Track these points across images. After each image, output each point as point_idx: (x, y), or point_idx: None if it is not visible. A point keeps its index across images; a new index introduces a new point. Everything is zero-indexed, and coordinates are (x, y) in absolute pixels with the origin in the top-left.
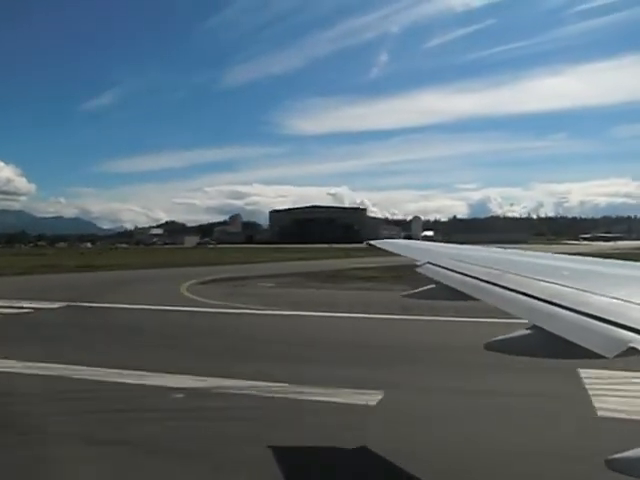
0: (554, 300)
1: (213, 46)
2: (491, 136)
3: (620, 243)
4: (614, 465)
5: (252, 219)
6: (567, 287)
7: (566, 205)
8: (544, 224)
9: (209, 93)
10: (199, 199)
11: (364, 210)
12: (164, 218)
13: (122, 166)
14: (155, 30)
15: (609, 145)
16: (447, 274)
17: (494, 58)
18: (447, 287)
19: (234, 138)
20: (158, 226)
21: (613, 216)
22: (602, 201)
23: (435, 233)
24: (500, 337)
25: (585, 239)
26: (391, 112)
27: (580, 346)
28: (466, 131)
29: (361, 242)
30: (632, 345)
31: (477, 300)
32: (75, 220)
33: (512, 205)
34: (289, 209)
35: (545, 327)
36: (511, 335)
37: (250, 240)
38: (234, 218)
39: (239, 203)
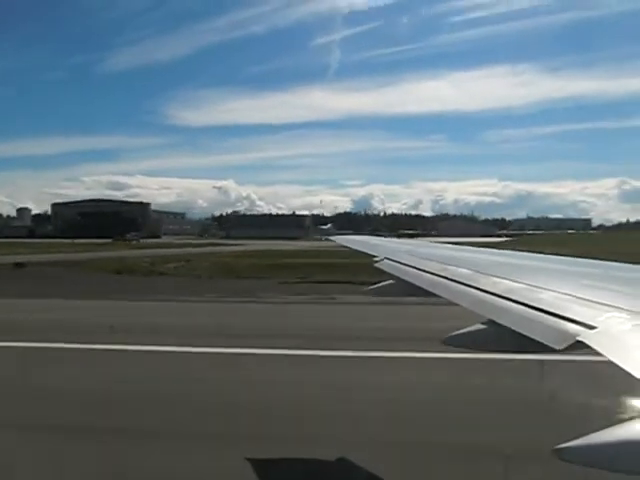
0: (507, 295)
1: (93, 26)
2: (375, 135)
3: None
4: (562, 454)
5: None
6: (518, 282)
7: (442, 203)
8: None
9: (89, 77)
10: (75, 189)
11: (148, 205)
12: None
13: None
14: (28, 4)
15: (480, 148)
16: (405, 269)
17: (378, 60)
18: (406, 282)
19: (116, 126)
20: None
21: (477, 213)
22: (473, 200)
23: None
24: (456, 332)
25: (400, 235)
26: (278, 107)
27: (532, 339)
28: (351, 129)
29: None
30: (579, 338)
31: (434, 295)
32: None
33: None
34: (73, 202)
35: (499, 321)
36: (467, 329)
37: (32, 234)
38: (21, 211)
39: (119, 194)
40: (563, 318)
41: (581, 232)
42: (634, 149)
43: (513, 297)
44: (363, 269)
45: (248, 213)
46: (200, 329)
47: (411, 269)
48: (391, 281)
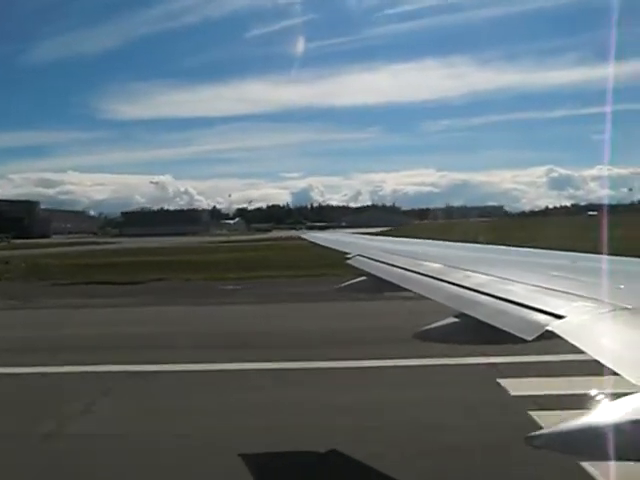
0: (478, 288)
1: (16, 14)
2: (314, 126)
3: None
4: (534, 441)
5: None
6: (489, 275)
7: (380, 193)
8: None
9: (14, 68)
10: (2, 188)
11: (35, 203)
12: None
13: None
14: None
15: (417, 139)
16: (377, 265)
17: (316, 51)
18: (378, 278)
19: (45, 121)
20: None
21: (417, 204)
22: (411, 190)
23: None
24: (428, 326)
25: (310, 227)
26: (216, 99)
27: (503, 331)
28: (290, 121)
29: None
30: (549, 328)
31: (406, 290)
32: None
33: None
34: None
35: (471, 314)
36: (439, 323)
37: None
38: None
39: (50, 192)
40: (533, 309)
41: (494, 219)
42: (559, 139)
43: (484, 290)
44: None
45: (155, 209)
46: None
47: (383, 265)
48: (363, 277)
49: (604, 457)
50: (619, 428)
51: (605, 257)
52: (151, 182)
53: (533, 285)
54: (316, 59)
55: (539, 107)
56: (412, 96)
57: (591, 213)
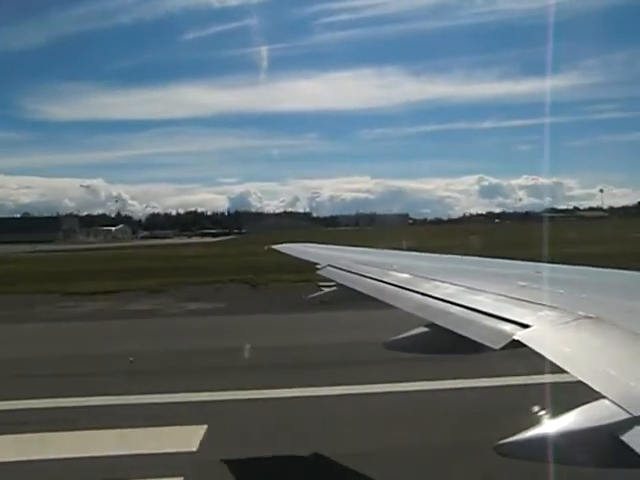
0: (447, 298)
1: None
2: (250, 132)
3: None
4: (502, 450)
5: None
6: (458, 285)
7: (318, 200)
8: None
9: None
10: None
11: None
12: None
13: None
14: None
15: (353, 146)
16: (348, 276)
17: (251, 57)
18: (348, 288)
19: None
20: None
21: (353, 211)
22: (348, 196)
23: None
24: (398, 336)
25: (203, 235)
26: (150, 103)
27: (472, 340)
28: (226, 126)
29: None
30: (515, 337)
31: (377, 300)
32: None
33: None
34: None
35: (440, 323)
36: (408, 333)
37: None
38: None
39: None
40: (500, 318)
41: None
42: (488, 149)
43: (453, 300)
44: None
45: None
46: None
47: (354, 275)
48: (334, 288)
49: (566, 463)
50: (580, 435)
51: (569, 267)
52: (81, 186)
53: (500, 294)
54: (252, 65)
55: (469, 118)
56: (348, 104)
57: (497, 220)
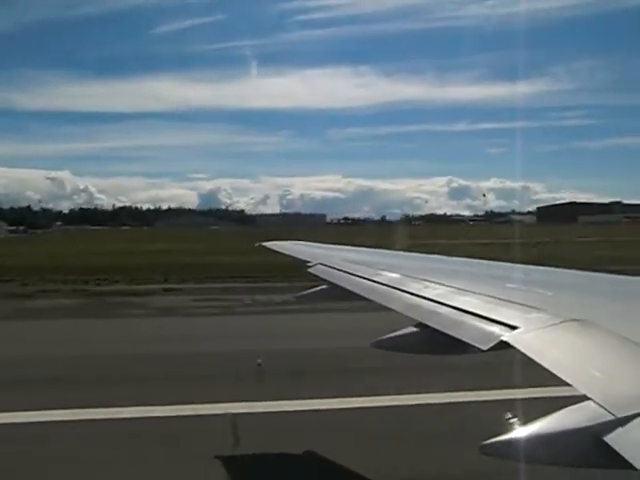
0: (437, 298)
1: None
2: (222, 127)
3: None
4: (487, 450)
5: None
6: (447, 286)
7: (289, 197)
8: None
9: None
10: None
11: None
12: None
13: None
14: None
15: (325, 144)
16: (338, 274)
17: (224, 52)
18: (338, 287)
19: None
20: None
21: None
22: (319, 195)
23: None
24: (387, 335)
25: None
26: (120, 95)
27: (461, 341)
28: (197, 121)
29: None
30: (503, 339)
31: (367, 299)
32: None
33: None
34: None
35: (429, 323)
36: (398, 333)
37: None
38: None
39: None
40: (489, 320)
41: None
42: (459, 151)
43: (442, 300)
44: None
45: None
46: None
47: (344, 274)
48: (324, 286)
49: (551, 463)
50: (565, 436)
51: (556, 270)
52: (47, 178)
53: (489, 296)
54: (226, 60)
55: (441, 120)
56: (321, 102)
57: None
